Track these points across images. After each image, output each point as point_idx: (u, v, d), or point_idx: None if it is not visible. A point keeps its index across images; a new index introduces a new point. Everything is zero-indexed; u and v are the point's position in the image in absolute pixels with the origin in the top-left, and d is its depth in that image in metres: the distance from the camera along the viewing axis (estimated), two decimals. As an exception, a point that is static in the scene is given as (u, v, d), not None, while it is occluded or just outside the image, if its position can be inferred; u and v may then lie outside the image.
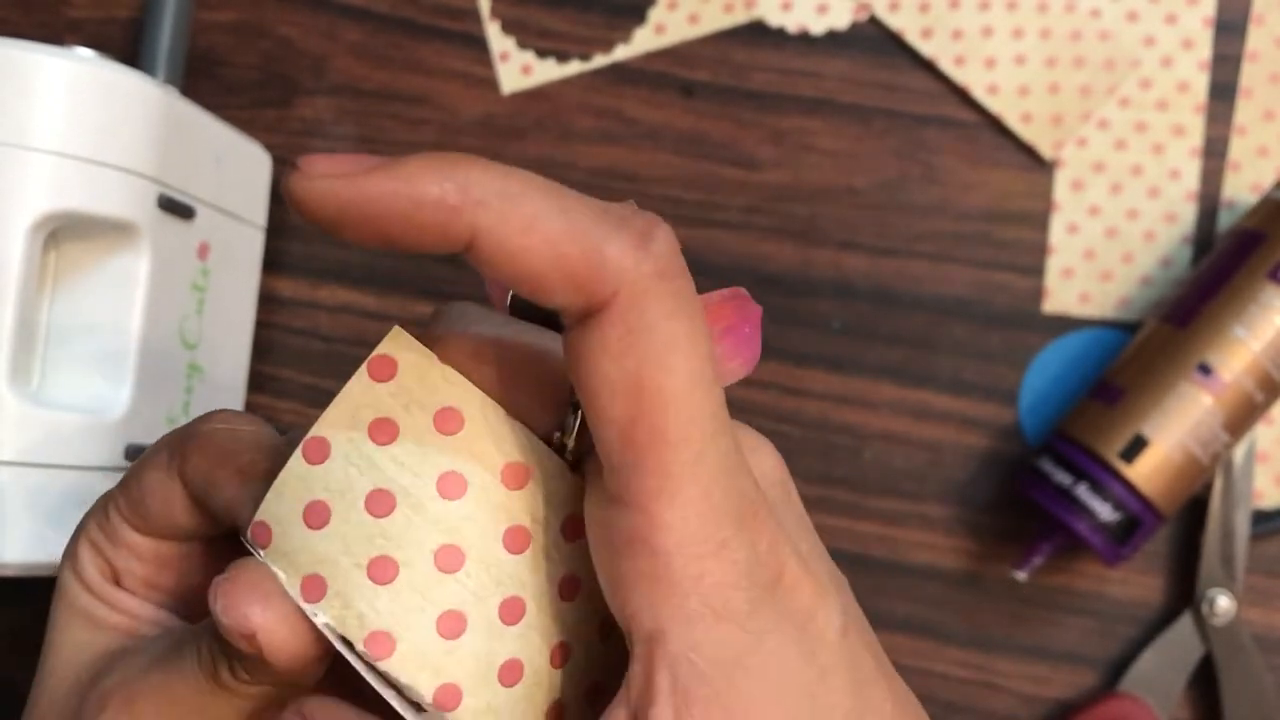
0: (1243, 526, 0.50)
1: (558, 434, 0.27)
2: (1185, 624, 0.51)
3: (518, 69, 0.57)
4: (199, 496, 0.30)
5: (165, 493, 0.30)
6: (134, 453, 0.46)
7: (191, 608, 0.32)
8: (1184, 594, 0.52)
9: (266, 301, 0.57)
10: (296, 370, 0.57)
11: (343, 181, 0.23)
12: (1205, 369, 0.47)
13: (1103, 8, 0.54)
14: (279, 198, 0.57)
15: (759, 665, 0.24)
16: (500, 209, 0.23)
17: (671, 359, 0.23)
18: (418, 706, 0.26)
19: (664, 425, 0.23)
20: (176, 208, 0.48)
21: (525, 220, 0.23)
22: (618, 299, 0.23)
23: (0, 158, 0.43)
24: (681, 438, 0.23)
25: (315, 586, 0.26)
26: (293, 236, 0.58)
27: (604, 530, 0.25)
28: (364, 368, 0.27)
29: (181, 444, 0.30)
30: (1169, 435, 0.47)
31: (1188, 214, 0.53)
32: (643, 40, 0.57)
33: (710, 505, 0.23)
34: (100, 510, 0.31)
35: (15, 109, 0.43)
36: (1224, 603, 0.50)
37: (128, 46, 0.58)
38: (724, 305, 0.28)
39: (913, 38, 0.55)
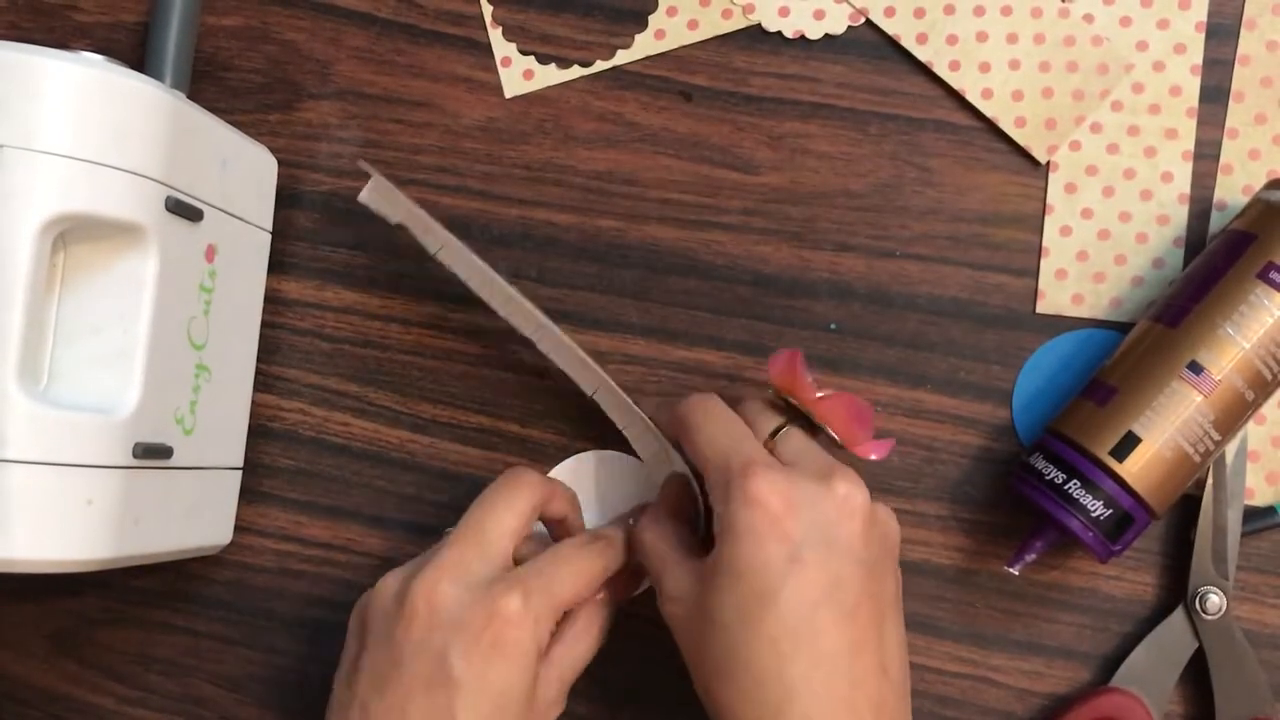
0: (1234, 523, 0.51)
1: None
2: (1177, 620, 0.51)
3: (520, 74, 0.58)
4: None
5: None
6: (142, 451, 0.47)
7: None
8: (1176, 590, 0.52)
9: (272, 302, 0.57)
10: (302, 370, 0.58)
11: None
12: (1196, 368, 0.48)
13: (1096, 13, 0.55)
14: (284, 200, 0.57)
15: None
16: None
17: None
18: None
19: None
20: (184, 210, 0.48)
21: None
22: None
23: (10, 160, 0.43)
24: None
25: None
26: (298, 238, 0.58)
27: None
28: None
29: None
30: (1160, 433, 0.48)
31: (1179, 216, 0.54)
32: (643, 46, 0.57)
33: None
34: None
35: (24, 113, 0.44)
36: (1215, 599, 0.51)
37: (135, 51, 0.59)
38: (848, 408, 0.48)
39: (908, 43, 0.55)
